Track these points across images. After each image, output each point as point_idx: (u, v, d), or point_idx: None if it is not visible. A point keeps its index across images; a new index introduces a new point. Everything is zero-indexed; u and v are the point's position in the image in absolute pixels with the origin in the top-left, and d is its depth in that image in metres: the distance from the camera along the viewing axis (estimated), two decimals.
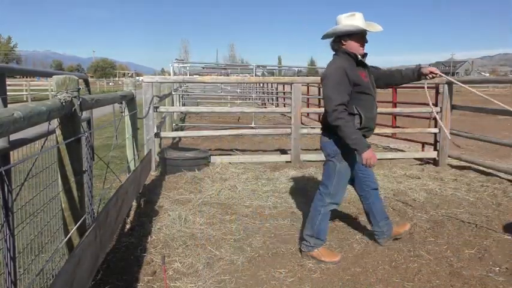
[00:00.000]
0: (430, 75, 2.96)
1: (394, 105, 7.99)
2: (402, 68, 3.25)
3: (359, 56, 2.80)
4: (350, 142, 2.65)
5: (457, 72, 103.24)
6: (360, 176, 3.06)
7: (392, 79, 3.14)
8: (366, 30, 2.78)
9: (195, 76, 13.65)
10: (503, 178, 5.01)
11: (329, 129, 2.79)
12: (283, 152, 7.11)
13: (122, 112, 3.92)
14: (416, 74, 3.01)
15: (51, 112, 1.73)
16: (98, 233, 2.07)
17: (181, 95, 13.49)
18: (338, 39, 2.83)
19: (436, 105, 6.21)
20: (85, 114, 2.65)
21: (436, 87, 6.42)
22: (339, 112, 2.63)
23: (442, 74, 3.22)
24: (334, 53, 2.89)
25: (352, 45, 2.80)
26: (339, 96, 2.66)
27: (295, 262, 2.90)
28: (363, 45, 2.82)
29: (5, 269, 1.80)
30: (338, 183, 2.88)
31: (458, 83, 3.33)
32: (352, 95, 2.74)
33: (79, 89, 2.04)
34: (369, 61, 2.94)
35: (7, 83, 2.34)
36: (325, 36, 2.89)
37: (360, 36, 2.80)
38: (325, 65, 2.97)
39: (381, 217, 3.12)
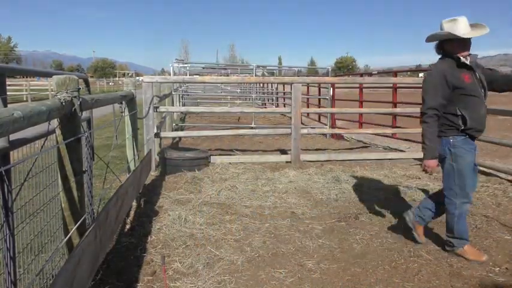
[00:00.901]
0: None
1: (394, 105, 7.99)
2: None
3: (461, 58, 2.82)
4: (423, 145, 2.88)
5: None
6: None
7: (511, 84, 3.07)
8: (461, 37, 2.78)
9: (195, 76, 13.63)
10: (503, 178, 5.01)
11: (439, 131, 2.87)
12: (283, 152, 7.11)
13: (122, 112, 3.92)
14: None
15: (51, 112, 1.73)
16: (98, 233, 2.07)
17: (181, 95, 13.48)
18: (440, 43, 2.93)
19: None
20: (85, 114, 2.66)
21: None
22: (427, 116, 2.84)
23: None
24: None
25: (452, 49, 2.85)
26: (431, 100, 2.83)
27: (295, 262, 2.90)
28: (464, 48, 2.84)
29: (5, 269, 1.80)
30: (461, 181, 2.87)
31: None
32: (455, 97, 2.82)
33: (79, 89, 2.04)
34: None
35: (7, 83, 2.34)
36: (427, 40, 2.97)
37: (460, 40, 2.82)
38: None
39: (431, 208, 3.13)
